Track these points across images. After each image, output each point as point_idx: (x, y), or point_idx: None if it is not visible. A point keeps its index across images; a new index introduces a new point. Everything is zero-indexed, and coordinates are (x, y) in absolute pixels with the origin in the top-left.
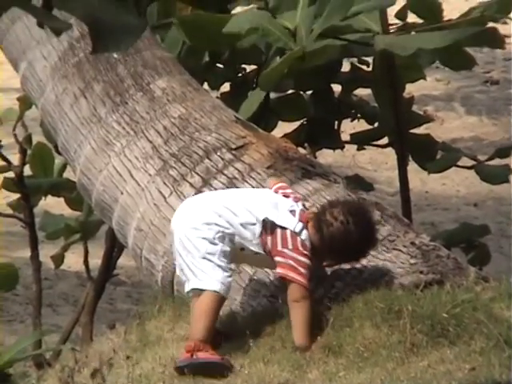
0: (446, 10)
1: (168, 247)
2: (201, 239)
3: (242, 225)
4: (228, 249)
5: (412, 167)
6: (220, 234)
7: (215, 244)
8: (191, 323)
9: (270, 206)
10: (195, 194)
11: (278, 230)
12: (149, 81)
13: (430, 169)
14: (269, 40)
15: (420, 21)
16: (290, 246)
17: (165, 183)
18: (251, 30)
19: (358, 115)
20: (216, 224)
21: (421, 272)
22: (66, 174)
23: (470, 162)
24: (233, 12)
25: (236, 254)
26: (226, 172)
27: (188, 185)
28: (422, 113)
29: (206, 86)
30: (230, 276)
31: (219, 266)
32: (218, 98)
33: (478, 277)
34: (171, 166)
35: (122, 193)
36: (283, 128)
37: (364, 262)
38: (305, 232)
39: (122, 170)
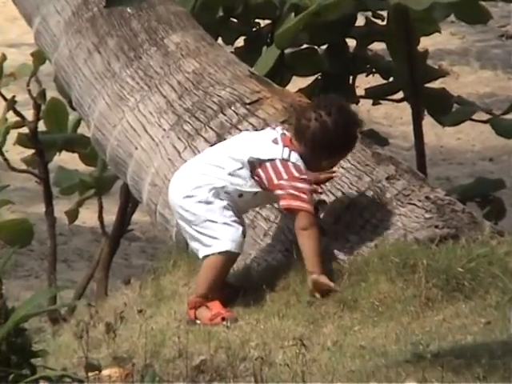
0: None
1: None
2: (196, 204)
3: (230, 174)
4: (226, 202)
5: (427, 121)
6: (213, 192)
7: (211, 203)
8: (198, 278)
9: (251, 144)
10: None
11: (267, 164)
12: (163, 35)
13: (444, 122)
14: None
15: None
16: (285, 176)
17: (179, 138)
18: None
19: (373, 70)
20: (205, 184)
21: (436, 226)
22: (80, 130)
23: (486, 117)
24: None
25: (238, 204)
26: (240, 127)
27: (202, 139)
28: (436, 67)
29: (220, 40)
30: (238, 229)
31: (224, 223)
32: (232, 52)
33: (493, 231)
34: (185, 121)
35: (136, 148)
36: (298, 83)
37: (379, 216)
38: (293, 154)
39: (136, 125)
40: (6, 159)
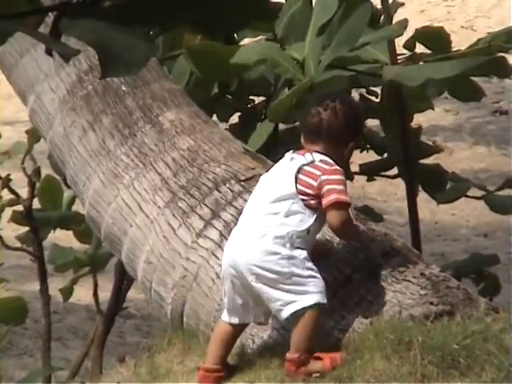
0: (454, 40)
1: (177, 280)
2: (279, 261)
3: (286, 216)
4: (303, 251)
5: (421, 198)
6: (288, 243)
7: (293, 257)
8: (294, 337)
9: (282, 177)
10: (204, 226)
11: (300, 176)
12: (157, 113)
13: (439, 199)
14: (277, 71)
15: (428, 51)
16: (319, 173)
17: (174, 215)
18: (259, 61)
19: (367, 146)
20: (276, 237)
21: (431, 303)
22: (74, 207)
23: (480, 193)
24: (241, 43)
25: (310, 242)
26: (235, 204)
27: (197, 217)
28: (431, 143)
29: (214, 117)
30: (321, 279)
31: (309, 275)
32: (226, 129)
33: (488, 307)
34: (180, 198)
35: (131, 225)
36: None
37: (374, 293)
38: (315, 155)
39: (131, 202)
40: (0, 237)
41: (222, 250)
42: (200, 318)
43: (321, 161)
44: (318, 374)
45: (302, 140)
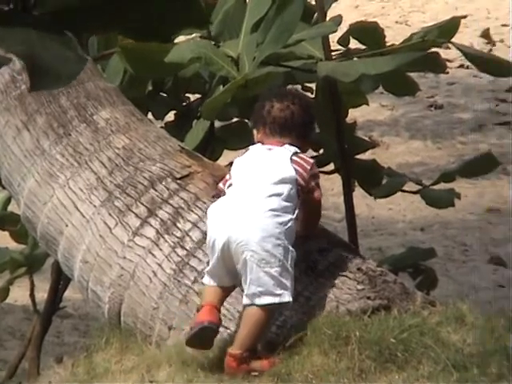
0: (388, 36)
1: (114, 278)
2: (276, 247)
3: (286, 200)
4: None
5: (358, 193)
6: (286, 232)
7: (288, 249)
8: (243, 331)
9: (275, 162)
10: (140, 224)
11: (293, 165)
12: (92, 112)
13: (375, 194)
14: (211, 69)
15: (363, 47)
16: (309, 166)
17: (110, 214)
18: (194, 58)
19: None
20: (278, 223)
21: (368, 298)
22: (10, 208)
23: (416, 187)
24: (175, 41)
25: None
26: (171, 202)
27: (133, 215)
28: (367, 138)
29: (150, 115)
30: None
31: (292, 273)
32: (162, 127)
33: (424, 301)
34: (116, 197)
35: (66, 225)
36: (229, 156)
37: (311, 289)
38: (291, 147)
39: (66, 202)
40: None
41: (159, 248)
42: (137, 316)
43: (301, 153)
44: (256, 373)
45: (264, 133)
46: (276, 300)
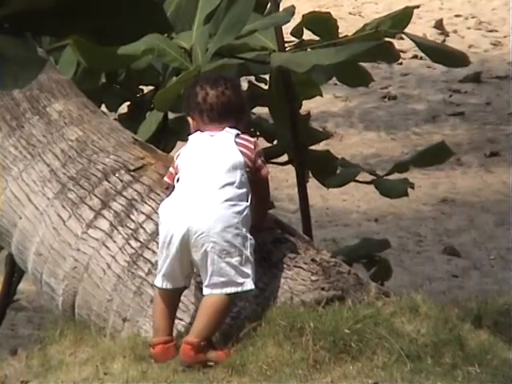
0: (342, 27)
1: (68, 271)
2: (235, 237)
3: (238, 187)
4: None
5: (312, 184)
6: (244, 221)
7: (246, 238)
8: (202, 320)
9: (221, 150)
10: (94, 216)
11: (239, 148)
12: (45, 104)
13: (329, 184)
14: (165, 60)
15: (316, 38)
16: (252, 146)
17: (63, 206)
18: (146, 50)
19: (257, 133)
20: (235, 212)
21: (322, 289)
22: None
23: (370, 177)
24: None
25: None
26: (124, 193)
27: (87, 207)
28: (321, 129)
29: (103, 107)
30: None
31: (253, 261)
32: (115, 119)
33: (379, 292)
34: (69, 189)
35: (20, 217)
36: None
37: (265, 280)
38: (232, 130)
39: (19, 194)
40: None
41: (113, 240)
42: (92, 308)
43: (242, 133)
44: (212, 364)
45: (202, 121)
46: (239, 289)
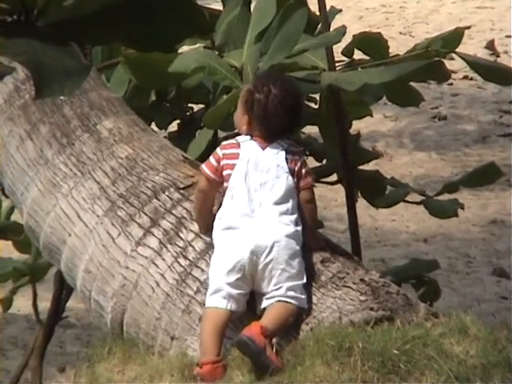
0: (392, 46)
1: (117, 288)
2: (301, 263)
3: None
4: None
5: (362, 204)
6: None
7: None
8: (272, 316)
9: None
10: (144, 234)
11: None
12: (95, 121)
13: (378, 204)
14: (215, 79)
15: (367, 57)
16: (298, 157)
17: (113, 224)
18: (197, 68)
19: (307, 152)
20: (295, 231)
21: (371, 309)
22: (13, 217)
23: (419, 198)
24: (179, 51)
25: None
26: (174, 212)
27: (136, 225)
28: (370, 149)
29: (153, 125)
30: None
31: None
32: (165, 137)
33: (428, 313)
34: (119, 207)
35: (69, 235)
36: None
37: (314, 299)
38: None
39: (69, 211)
40: None
41: (162, 258)
42: (140, 326)
43: (292, 145)
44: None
45: (258, 129)
46: (301, 304)
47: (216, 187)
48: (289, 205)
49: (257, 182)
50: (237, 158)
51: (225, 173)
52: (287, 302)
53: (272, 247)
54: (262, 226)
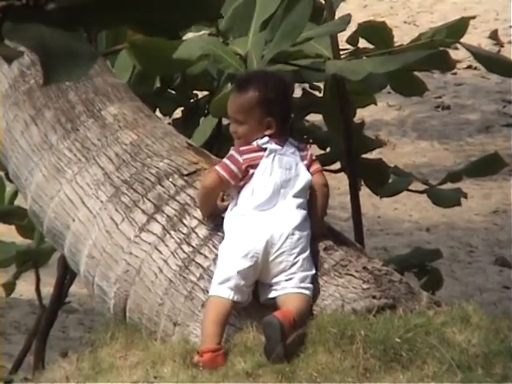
0: (396, 35)
1: (120, 274)
2: (309, 259)
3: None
4: None
5: (364, 192)
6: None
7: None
8: (294, 306)
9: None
10: (147, 220)
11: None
12: (100, 107)
13: (381, 193)
14: (220, 66)
15: (371, 46)
16: (307, 152)
17: (117, 210)
18: (202, 55)
19: (310, 140)
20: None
21: (373, 297)
22: (17, 202)
23: (422, 187)
24: (184, 38)
25: None
26: (178, 198)
27: (140, 211)
28: (373, 138)
29: (157, 112)
30: None
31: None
32: (170, 124)
33: (430, 301)
34: (123, 193)
35: (73, 220)
36: None
37: (316, 286)
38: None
39: (73, 196)
40: None
41: (165, 244)
42: (143, 312)
43: (298, 143)
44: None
45: (279, 127)
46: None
47: (226, 188)
48: (304, 200)
49: (281, 178)
50: (260, 159)
51: (249, 173)
52: (303, 293)
53: (286, 238)
54: (280, 217)
